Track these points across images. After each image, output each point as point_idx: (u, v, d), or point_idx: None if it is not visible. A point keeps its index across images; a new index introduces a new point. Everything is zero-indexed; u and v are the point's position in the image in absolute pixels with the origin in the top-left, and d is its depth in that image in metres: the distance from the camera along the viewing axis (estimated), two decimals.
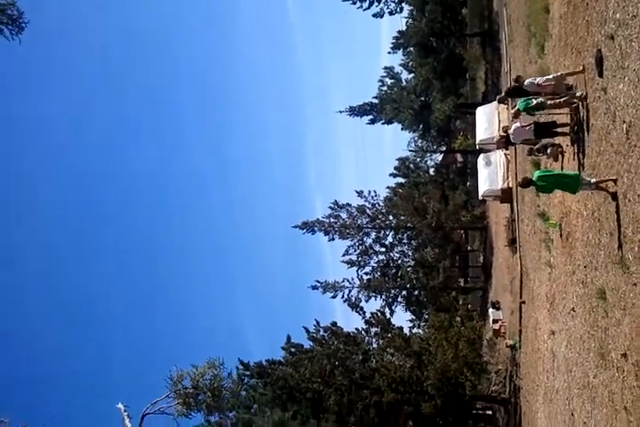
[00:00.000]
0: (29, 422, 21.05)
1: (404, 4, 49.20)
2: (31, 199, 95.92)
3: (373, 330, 28.08)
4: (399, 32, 48.54)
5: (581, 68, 13.63)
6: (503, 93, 18.04)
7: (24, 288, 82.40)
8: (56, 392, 65.46)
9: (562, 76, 14.34)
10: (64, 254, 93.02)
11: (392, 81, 52.78)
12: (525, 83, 14.89)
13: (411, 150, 53.48)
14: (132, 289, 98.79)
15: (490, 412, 28.44)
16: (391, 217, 43.41)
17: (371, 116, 54.40)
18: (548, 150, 15.49)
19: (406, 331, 30.70)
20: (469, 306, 41.79)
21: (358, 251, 42.89)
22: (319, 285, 42.55)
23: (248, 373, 26.50)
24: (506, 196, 28.44)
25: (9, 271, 77.86)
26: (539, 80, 14.52)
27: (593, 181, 12.04)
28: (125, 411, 22.29)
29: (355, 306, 39.36)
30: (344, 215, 42.94)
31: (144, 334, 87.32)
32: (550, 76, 14.54)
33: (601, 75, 12.19)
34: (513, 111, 15.63)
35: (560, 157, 15.60)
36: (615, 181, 11.29)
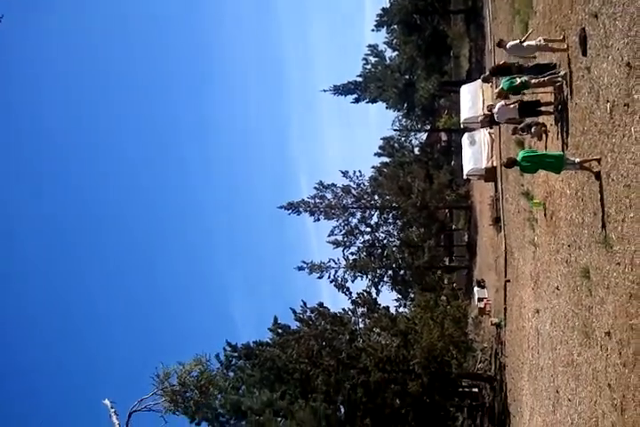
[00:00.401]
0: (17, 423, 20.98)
1: None
2: (29, 199, 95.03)
3: (360, 310, 28.14)
4: (383, 9, 48.09)
5: (562, 37, 13.57)
6: (487, 73, 17.97)
7: (12, 283, 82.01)
8: (42, 388, 65.39)
9: (544, 44, 14.34)
10: (51, 251, 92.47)
11: (376, 59, 52.30)
12: (507, 46, 14.94)
13: (395, 129, 53.31)
14: (117, 279, 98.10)
15: (476, 389, 28.76)
16: (376, 197, 43.44)
17: (355, 95, 54.00)
18: (532, 129, 15.47)
19: (392, 310, 30.88)
20: (455, 285, 42.11)
21: (344, 231, 42.96)
22: (305, 266, 42.62)
23: (236, 354, 26.53)
24: (490, 175, 28.49)
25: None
26: (521, 40, 14.66)
27: (577, 160, 12.03)
28: (112, 407, 22.26)
29: (341, 286, 39.49)
30: (329, 196, 42.92)
31: (130, 322, 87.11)
32: (532, 42, 14.53)
33: (585, 53, 12.12)
34: (497, 91, 15.57)
35: (544, 136, 15.60)
36: (599, 160, 11.28)
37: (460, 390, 27.99)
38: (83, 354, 76.18)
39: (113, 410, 22.23)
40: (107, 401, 22.56)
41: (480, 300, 29.54)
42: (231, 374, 27.40)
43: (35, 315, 79.66)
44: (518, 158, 13.13)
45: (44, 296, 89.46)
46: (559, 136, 14.19)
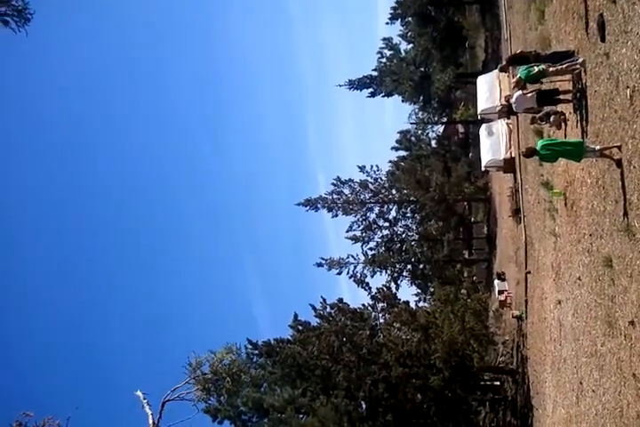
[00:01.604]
0: (51, 411, 21.25)
1: None
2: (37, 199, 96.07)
3: (380, 305, 28.01)
4: (397, 2, 47.70)
5: None
6: (504, 62, 17.69)
7: (37, 277, 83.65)
8: (74, 381, 66.93)
9: None
10: (76, 242, 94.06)
11: (391, 52, 51.97)
12: None
13: (412, 123, 53.03)
14: (143, 276, 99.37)
15: (498, 383, 28.50)
16: (394, 191, 43.27)
17: (370, 89, 53.73)
18: (551, 118, 15.25)
19: (412, 305, 30.72)
20: (474, 278, 41.81)
21: (362, 226, 42.86)
22: (324, 262, 42.62)
23: (257, 352, 26.54)
24: (509, 166, 28.19)
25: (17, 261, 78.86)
26: None
27: (597, 148, 11.83)
28: (144, 398, 22.44)
29: (360, 282, 39.47)
30: (347, 191, 42.86)
31: (155, 320, 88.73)
32: None
33: (603, 39, 11.91)
34: (514, 80, 15.36)
35: (563, 124, 15.38)
36: (620, 147, 11.09)
37: (482, 383, 27.78)
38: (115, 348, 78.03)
39: (145, 401, 22.40)
40: (139, 392, 22.73)
41: (500, 292, 29.27)
42: (252, 371, 27.42)
43: (69, 310, 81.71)
44: (537, 147, 12.96)
45: (75, 290, 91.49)
46: (578, 124, 13.98)
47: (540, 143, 13.05)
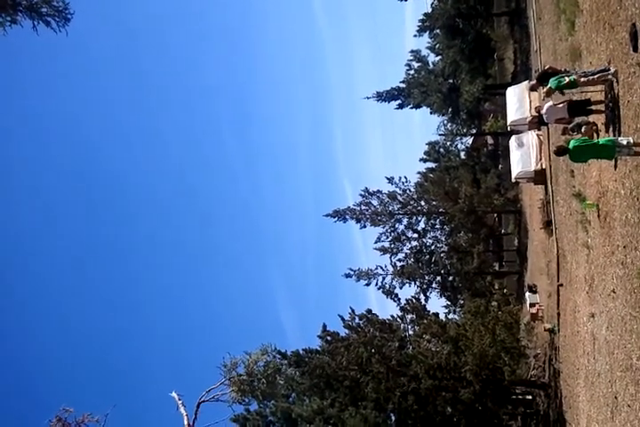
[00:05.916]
0: (89, 408, 21.51)
1: None
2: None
3: (409, 317, 27.90)
4: (425, 14, 47.76)
5: None
6: (534, 81, 17.58)
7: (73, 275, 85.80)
8: (109, 383, 68.14)
9: None
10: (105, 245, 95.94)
11: (419, 64, 51.94)
12: None
13: (440, 134, 52.79)
14: (179, 284, 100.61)
15: (529, 397, 28.11)
16: (423, 202, 43.10)
17: (398, 101, 53.67)
18: (583, 129, 15.14)
19: (442, 317, 30.51)
20: (505, 290, 41.41)
21: (391, 238, 42.74)
22: (352, 273, 42.52)
23: (285, 362, 26.60)
24: (539, 177, 27.97)
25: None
26: None
27: (631, 141, 11.80)
28: (180, 399, 22.56)
29: (389, 293, 39.33)
30: (375, 202, 42.78)
31: (188, 326, 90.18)
32: None
33: (636, 49, 11.86)
34: (545, 90, 15.31)
35: (595, 135, 15.26)
36: None
37: (514, 397, 27.44)
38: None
39: (180, 402, 22.48)
40: (174, 394, 22.85)
41: (532, 305, 28.92)
42: (281, 381, 27.45)
43: (104, 311, 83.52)
44: (569, 146, 12.98)
45: (112, 291, 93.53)
46: (611, 135, 13.86)
47: (572, 143, 13.05)
